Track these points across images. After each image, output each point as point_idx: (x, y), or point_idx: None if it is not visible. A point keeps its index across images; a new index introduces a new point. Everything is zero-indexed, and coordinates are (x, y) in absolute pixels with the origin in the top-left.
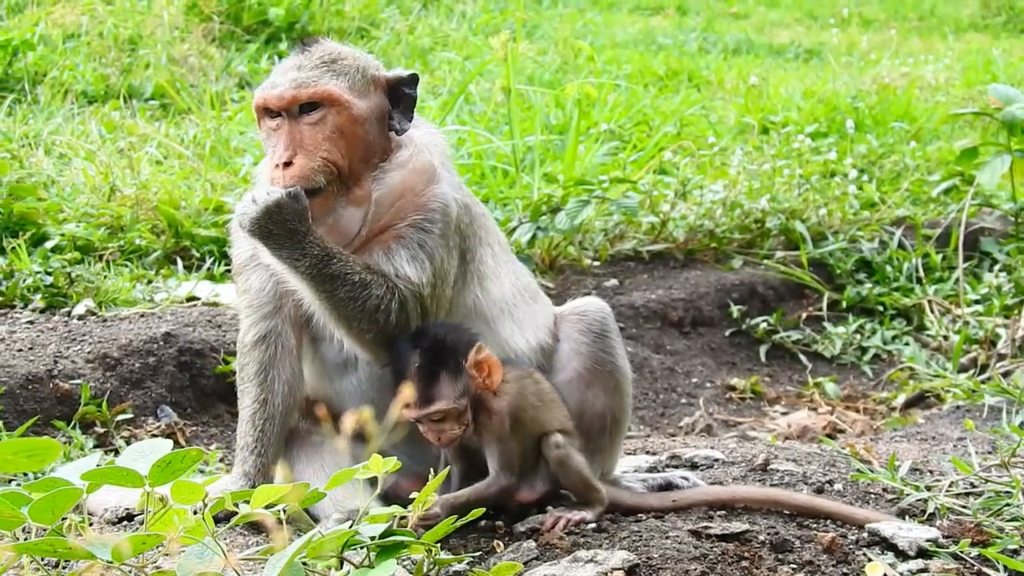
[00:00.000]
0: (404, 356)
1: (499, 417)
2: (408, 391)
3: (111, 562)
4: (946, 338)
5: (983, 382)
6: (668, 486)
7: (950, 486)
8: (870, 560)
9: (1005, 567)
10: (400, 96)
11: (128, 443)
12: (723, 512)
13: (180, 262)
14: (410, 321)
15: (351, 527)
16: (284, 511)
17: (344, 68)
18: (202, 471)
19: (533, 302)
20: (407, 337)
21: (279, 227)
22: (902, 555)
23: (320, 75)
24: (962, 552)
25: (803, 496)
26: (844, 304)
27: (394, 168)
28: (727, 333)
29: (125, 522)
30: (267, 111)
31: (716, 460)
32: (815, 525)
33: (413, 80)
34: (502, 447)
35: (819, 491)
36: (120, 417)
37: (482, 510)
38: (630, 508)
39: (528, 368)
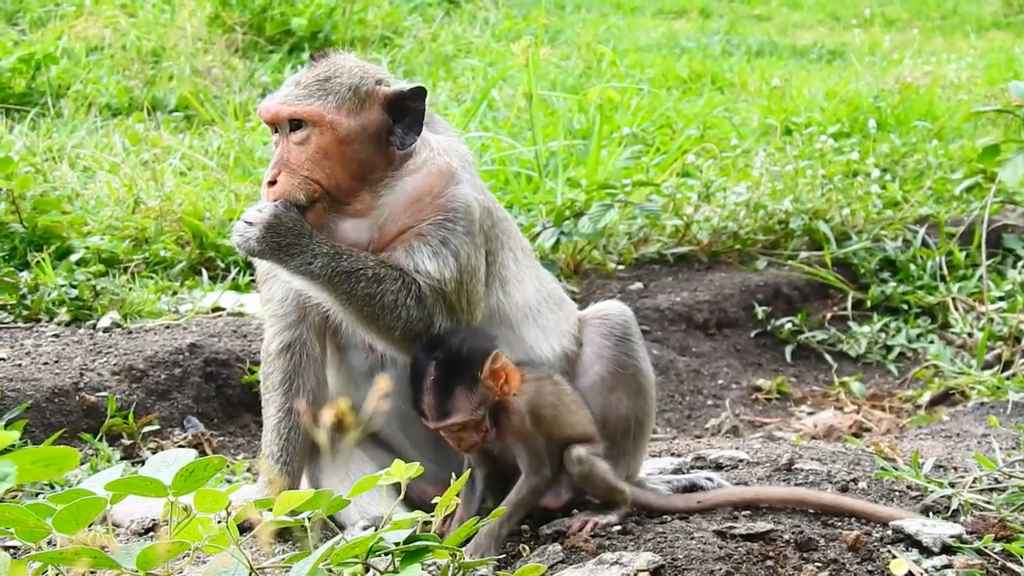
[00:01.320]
0: (420, 366)
1: (519, 416)
2: (383, 383)
3: (136, 571)
4: (970, 335)
5: (1007, 378)
6: (692, 487)
7: (974, 482)
8: (895, 557)
9: None
10: (405, 110)
11: (155, 454)
12: (748, 512)
13: (205, 273)
14: (432, 317)
15: (375, 533)
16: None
17: (335, 86)
18: (229, 481)
19: (558, 309)
20: (422, 346)
21: (284, 237)
22: (926, 551)
23: (308, 94)
24: (986, 548)
25: (827, 495)
26: (869, 303)
27: (407, 174)
28: (752, 334)
29: (151, 533)
30: (264, 123)
31: (741, 461)
32: (839, 523)
33: (418, 94)
34: (528, 446)
35: (844, 490)
36: (147, 429)
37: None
38: (656, 510)
39: (548, 370)
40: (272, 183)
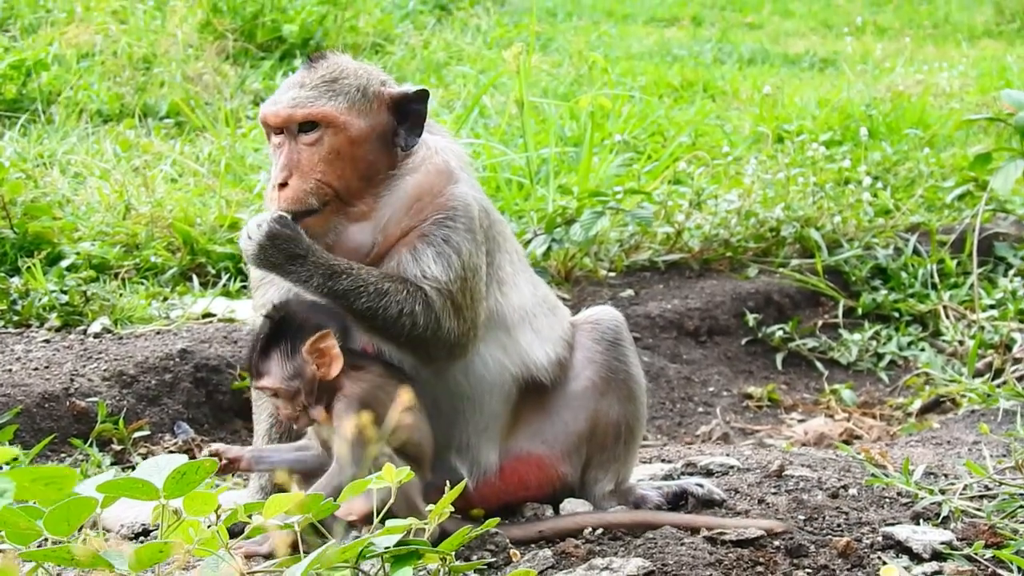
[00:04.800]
0: (263, 323)
1: (349, 400)
2: (407, 396)
3: (127, 573)
4: (961, 343)
5: (998, 386)
6: (683, 494)
7: (964, 489)
8: (885, 563)
9: (1019, 568)
10: (408, 112)
11: (145, 460)
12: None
13: (196, 279)
14: (440, 320)
15: (366, 537)
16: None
17: (344, 87)
18: (219, 486)
19: (552, 314)
20: (275, 305)
21: (279, 255)
22: (917, 558)
23: (319, 95)
24: (976, 554)
25: (671, 515)
26: (860, 311)
27: (406, 173)
28: (743, 342)
29: (141, 537)
30: (269, 127)
31: (731, 467)
32: (830, 530)
33: (421, 96)
34: (348, 444)
35: (834, 496)
36: (137, 434)
37: (497, 520)
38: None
39: (389, 378)
40: (283, 185)
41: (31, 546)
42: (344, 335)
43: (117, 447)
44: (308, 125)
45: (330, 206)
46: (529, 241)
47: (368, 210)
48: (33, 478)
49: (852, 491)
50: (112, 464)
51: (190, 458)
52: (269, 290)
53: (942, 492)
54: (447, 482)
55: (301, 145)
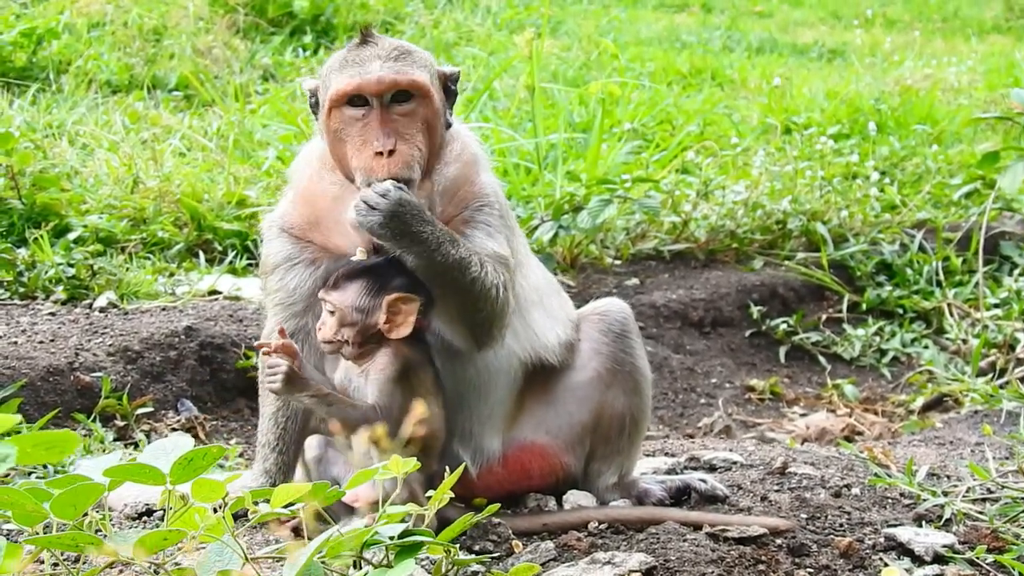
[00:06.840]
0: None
1: (392, 353)
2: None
3: (132, 558)
4: (965, 342)
5: (1001, 386)
6: (686, 489)
7: (967, 492)
8: (886, 565)
9: (1021, 574)
10: (448, 91)
11: (148, 436)
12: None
13: (202, 255)
14: (508, 296)
15: (371, 526)
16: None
17: (420, 61)
18: (221, 466)
19: (559, 295)
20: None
21: (408, 222)
22: (918, 560)
23: (409, 65)
24: (978, 558)
25: (677, 511)
26: (864, 306)
27: (451, 161)
28: (747, 334)
29: (145, 517)
30: (355, 99)
31: (735, 463)
32: (832, 529)
33: (458, 76)
34: (382, 379)
35: (837, 495)
36: (140, 410)
37: (497, 506)
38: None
39: (429, 370)
40: (391, 153)
41: (37, 528)
42: (424, 311)
43: (120, 423)
44: (404, 95)
45: (419, 178)
46: (536, 227)
47: (426, 190)
48: (34, 444)
49: (855, 490)
50: (115, 440)
51: (193, 436)
52: (288, 275)
53: (945, 494)
54: (447, 468)
55: (395, 115)
